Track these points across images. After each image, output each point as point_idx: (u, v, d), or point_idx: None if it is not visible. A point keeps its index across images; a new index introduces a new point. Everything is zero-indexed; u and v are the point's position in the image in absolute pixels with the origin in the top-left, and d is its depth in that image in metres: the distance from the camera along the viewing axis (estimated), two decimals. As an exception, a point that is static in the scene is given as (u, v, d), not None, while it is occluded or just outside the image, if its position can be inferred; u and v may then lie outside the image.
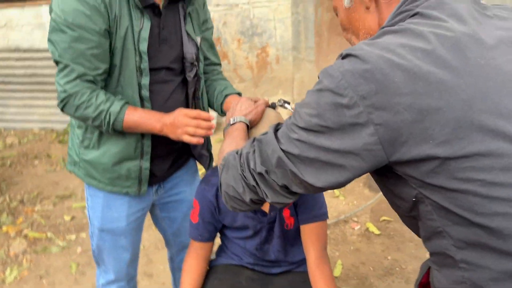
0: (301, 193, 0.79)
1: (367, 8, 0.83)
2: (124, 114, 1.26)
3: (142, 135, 1.36)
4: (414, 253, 2.45)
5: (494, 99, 0.64)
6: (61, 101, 1.27)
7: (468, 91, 0.63)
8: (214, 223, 1.42)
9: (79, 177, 1.46)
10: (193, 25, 1.41)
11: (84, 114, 1.25)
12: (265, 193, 0.82)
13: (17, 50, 4.58)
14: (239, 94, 1.51)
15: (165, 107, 1.36)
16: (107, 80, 1.30)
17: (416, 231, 0.81)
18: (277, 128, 0.81)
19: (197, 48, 1.42)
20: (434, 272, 0.78)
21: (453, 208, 0.66)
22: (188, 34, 1.39)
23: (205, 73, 1.55)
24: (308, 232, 1.35)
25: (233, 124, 1.17)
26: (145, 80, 1.30)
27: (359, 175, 0.71)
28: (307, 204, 1.35)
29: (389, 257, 2.44)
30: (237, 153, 0.89)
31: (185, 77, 1.42)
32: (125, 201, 1.46)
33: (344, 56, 0.70)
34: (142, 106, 1.32)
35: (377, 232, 2.64)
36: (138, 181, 1.41)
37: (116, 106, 1.25)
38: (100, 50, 1.22)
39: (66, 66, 1.22)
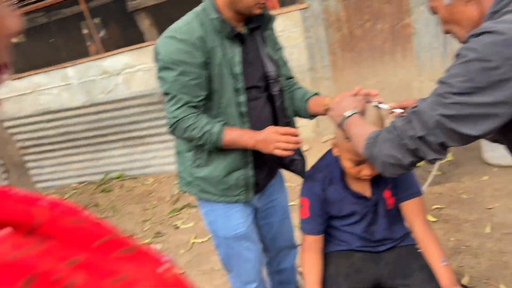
0: (457, 146, 1.01)
1: (467, 1, 1.06)
2: (223, 133, 1.46)
3: (241, 150, 1.56)
4: (473, 231, 2.62)
5: None
6: (171, 125, 1.47)
7: None
8: (323, 215, 1.61)
9: (194, 195, 1.66)
10: (270, 47, 1.64)
11: (191, 135, 1.46)
12: (425, 153, 1.04)
13: (47, 112, 4.82)
14: (317, 94, 1.72)
15: (260, 120, 1.57)
16: (210, 104, 1.50)
17: None
18: (423, 102, 1.04)
19: (277, 66, 1.63)
20: None
21: None
22: (268, 55, 1.61)
23: (285, 86, 1.76)
24: (411, 207, 1.56)
25: (349, 116, 1.33)
26: (242, 98, 1.50)
27: (507, 120, 0.94)
28: (404, 185, 1.56)
29: (451, 239, 2.61)
30: (389, 130, 1.11)
31: (269, 93, 1.62)
32: (239, 209, 1.66)
33: (479, 34, 0.93)
34: (242, 121, 1.52)
35: (433, 219, 2.82)
36: (246, 189, 1.61)
37: (217, 127, 1.46)
38: (201, 80, 1.43)
39: (174, 97, 1.43)
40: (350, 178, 1.56)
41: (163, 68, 1.44)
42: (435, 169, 3.14)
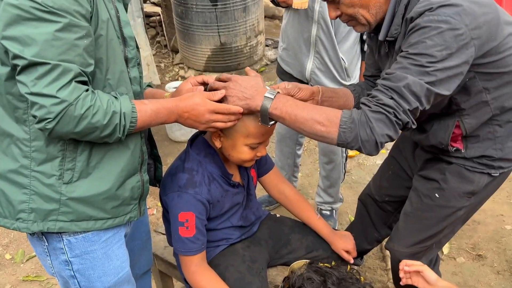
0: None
1: None
2: (136, 110, 1.05)
3: (141, 139, 1.18)
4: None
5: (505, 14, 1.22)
6: (54, 118, 0.93)
7: (499, 8, 1.19)
8: (206, 224, 1.39)
9: (56, 231, 1.10)
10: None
11: (91, 124, 0.97)
12: (412, 122, 1.14)
13: None
14: (150, 85, 1.46)
15: None
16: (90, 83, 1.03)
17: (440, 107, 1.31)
18: (405, 74, 1.11)
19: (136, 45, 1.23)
20: (464, 122, 1.33)
21: (494, 70, 1.22)
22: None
23: None
24: (274, 176, 1.62)
25: (273, 97, 1.17)
26: (135, 72, 1.13)
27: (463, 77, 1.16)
28: (261, 160, 1.56)
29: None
30: (374, 109, 1.12)
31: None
32: (119, 239, 1.23)
33: (438, 7, 1.09)
34: None
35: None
36: (139, 200, 1.22)
37: (126, 103, 1.03)
38: (91, 39, 0.97)
39: (53, 68, 0.91)
40: (228, 167, 1.42)
41: (23, 19, 0.88)
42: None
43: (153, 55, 5.18)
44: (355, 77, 2.28)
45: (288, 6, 2.12)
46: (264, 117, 1.20)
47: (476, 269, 2.30)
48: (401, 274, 1.40)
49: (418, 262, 1.38)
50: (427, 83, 1.11)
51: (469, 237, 2.50)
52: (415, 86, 1.10)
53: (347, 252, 1.59)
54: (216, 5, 4.17)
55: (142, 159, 1.20)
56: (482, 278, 2.24)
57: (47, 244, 1.15)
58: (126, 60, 1.10)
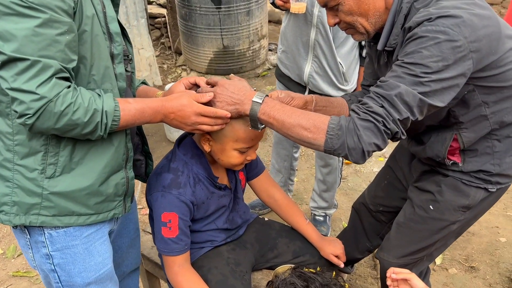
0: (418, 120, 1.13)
1: None
2: (120, 108, 1.04)
3: (126, 136, 1.17)
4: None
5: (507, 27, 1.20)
6: (34, 114, 0.93)
7: (501, 21, 1.17)
8: (189, 225, 1.39)
9: (38, 225, 1.10)
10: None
11: (71, 121, 0.97)
12: (402, 133, 1.11)
13: None
14: (144, 82, 1.47)
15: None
16: (74, 79, 1.02)
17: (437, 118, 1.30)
18: (399, 83, 1.09)
19: (127, 39, 1.25)
20: (462, 135, 1.31)
21: (494, 84, 1.20)
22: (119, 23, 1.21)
23: None
24: (265, 180, 1.61)
25: (262, 102, 1.16)
26: (121, 69, 1.12)
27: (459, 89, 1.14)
28: (252, 163, 1.56)
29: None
30: (363, 117, 1.09)
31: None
32: (102, 235, 1.22)
33: (437, 18, 1.07)
34: None
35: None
36: (124, 197, 1.22)
37: (109, 101, 1.02)
38: (73, 35, 0.97)
39: (34, 63, 0.90)
40: (215, 170, 1.41)
41: (6, 14, 0.88)
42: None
43: (157, 56, 5.21)
44: (353, 82, 2.27)
45: (287, 10, 2.12)
46: (254, 121, 1.19)
47: (468, 281, 2.27)
48: (389, 282, 1.39)
49: (406, 270, 1.36)
50: (420, 93, 1.08)
51: (462, 248, 2.47)
52: (407, 95, 1.08)
53: (336, 257, 1.57)
54: (220, 8, 4.19)
55: (127, 155, 1.19)
56: (474, 290, 2.22)
57: (29, 237, 1.15)
58: (112, 56, 1.09)
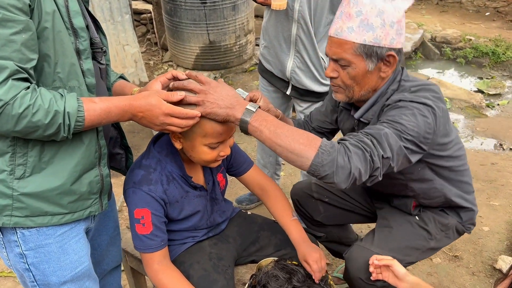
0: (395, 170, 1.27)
1: (382, 76, 1.36)
2: (84, 109, 1.02)
3: (98, 133, 1.16)
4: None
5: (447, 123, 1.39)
6: None
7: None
8: (164, 221, 1.38)
9: (12, 225, 1.09)
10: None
11: (31, 123, 0.95)
12: (381, 172, 1.20)
13: None
14: (122, 76, 1.45)
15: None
16: (38, 77, 1.01)
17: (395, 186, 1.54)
18: (385, 128, 1.22)
19: (101, 31, 1.24)
20: (420, 202, 1.56)
21: (441, 163, 1.44)
22: (91, 14, 1.20)
23: None
24: (254, 174, 1.60)
25: (255, 110, 1.19)
26: (88, 65, 1.09)
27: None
28: (239, 160, 1.57)
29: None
30: (355, 144, 1.17)
31: (98, 66, 1.23)
32: (78, 234, 1.21)
33: (419, 103, 1.27)
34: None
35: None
36: (100, 194, 1.21)
37: (72, 102, 1.00)
38: (30, 33, 0.94)
39: None
40: (190, 169, 1.41)
41: None
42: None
43: (143, 52, 5.17)
44: (334, 77, 2.28)
45: (268, 5, 2.12)
46: (243, 127, 1.20)
47: (452, 270, 2.30)
48: (371, 269, 1.41)
49: (388, 257, 1.39)
50: (402, 146, 1.22)
51: (446, 238, 2.51)
52: (392, 138, 1.21)
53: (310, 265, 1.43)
54: (205, 3, 4.17)
55: (100, 153, 1.18)
56: (457, 279, 2.25)
57: (2, 237, 1.14)
58: (78, 52, 1.07)
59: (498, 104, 4.36)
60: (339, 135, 1.66)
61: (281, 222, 1.56)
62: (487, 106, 4.31)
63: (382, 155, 1.18)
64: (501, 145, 3.62)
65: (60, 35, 1.01)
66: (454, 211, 1.60)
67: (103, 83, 1.24)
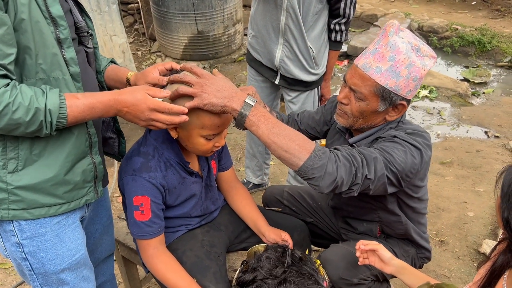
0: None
1: (387, 119, 1.44)
2: (66, 106, 1.01)
3: (87, 122, 1.15)
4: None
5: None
6: None
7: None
8: (163, 208, 1.40)
9: (15, 218, 1.10)
10: None
11: (12, 121, 0.95)
12: (357, 190, 1.28)
13: None
14: (113, 61, 1.44)
15: (89, 87, 1.19)
16: (20, 70, 1.00)
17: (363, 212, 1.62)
18: (378, 155, 1.30)
19: (86, 14, 1.22)
20: (384, 229, 1.63)
21: (410, 203, 1.53)
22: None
23: None
24: (230, 175, 1.65)
25: (255, 106, 1.20)
26: (71, 53, 1.07)
27: None
28: (224, 156, 1.61)
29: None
30: (346, 157, 1.26)
31: (84, 50, 1.21)
32: (74, 222, 1.22)
33: (411, 144, 1.35)
34: (76, 88, 1.10)
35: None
36: (94, 182, 1.21)
37: (53, 99, 0.99)
38: (6, 27, 0.92)
39: None
40: (186, 155, 1.42)
41: None
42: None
43: (131, 43, 5.13)
44: (323, 66, 2.30)
45: (256, -6, 2.12)
46: (240, 120, 1.21)
47: (438, 255, 2.37)
48: (358, 254, 1.44)
49: (374, 242, 1.42)
50: (386, 170, 1.30)
51: (433, 224, 2.57)
52: (379, 164, 1.29)
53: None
54: (193, -8, 4.14)
55: (90, 141, 1.18)
56: (442, 263, 2.31)
57: None
58: (59, 41, 1.04)
59: (484, 93, 4.43)
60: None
61: (247, 216, 1.61)
62: (473, 94, 4.38)
63: (366, 175, 1.26)
64: (486, 132, 3.69)
65: (39, 25, 0.99)
66: (412, 244, 1.65)
67: (91, 69, 1.23)
